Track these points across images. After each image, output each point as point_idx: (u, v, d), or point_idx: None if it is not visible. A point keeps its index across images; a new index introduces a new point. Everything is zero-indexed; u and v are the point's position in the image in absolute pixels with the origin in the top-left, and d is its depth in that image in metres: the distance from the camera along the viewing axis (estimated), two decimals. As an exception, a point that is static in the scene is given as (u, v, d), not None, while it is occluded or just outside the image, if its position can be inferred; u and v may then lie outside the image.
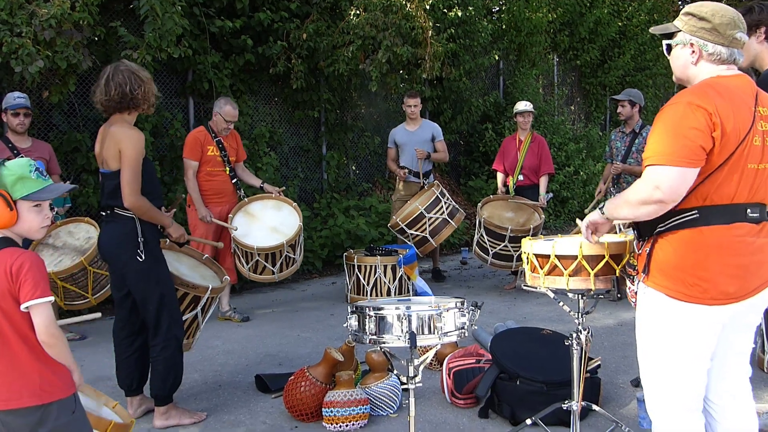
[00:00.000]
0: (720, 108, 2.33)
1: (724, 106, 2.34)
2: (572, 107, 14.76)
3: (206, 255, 4.76)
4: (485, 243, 7.13)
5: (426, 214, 6.95)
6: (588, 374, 4.03)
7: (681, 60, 2.55)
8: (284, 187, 6.52)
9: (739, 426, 2.61)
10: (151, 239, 3.84)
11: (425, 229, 7.00)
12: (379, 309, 2.54)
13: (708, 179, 2.37)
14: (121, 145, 3.68)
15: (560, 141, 12.38)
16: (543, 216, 7.17)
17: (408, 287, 6.76)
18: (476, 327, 2.70)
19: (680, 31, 2.53)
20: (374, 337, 2.54)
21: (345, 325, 2.63)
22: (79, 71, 6.17)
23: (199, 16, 7.56)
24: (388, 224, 7.39)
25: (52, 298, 2.32)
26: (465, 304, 2.64)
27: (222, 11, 7.87)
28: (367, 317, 2.54)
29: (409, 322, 2.49)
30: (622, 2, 14.78)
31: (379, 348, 2.58)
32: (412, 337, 2.44)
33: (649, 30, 2.77)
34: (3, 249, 2.33)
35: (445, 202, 7.11)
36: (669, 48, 2.59)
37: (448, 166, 11.35)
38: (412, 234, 7.03)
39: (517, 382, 3.91)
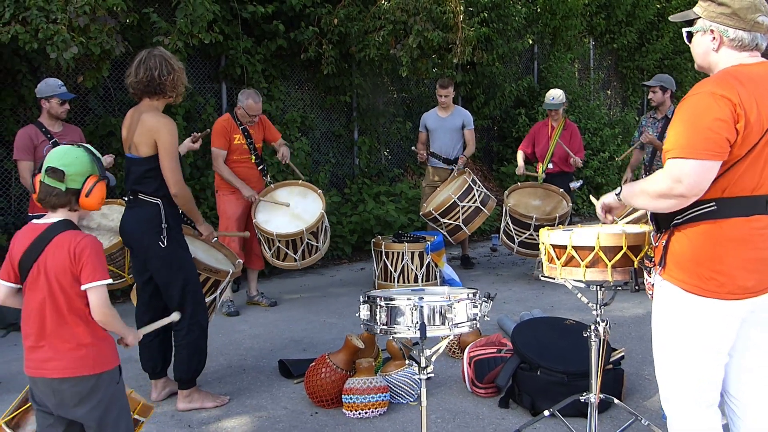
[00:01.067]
0: (743, 98, 2.26)
1: (748, 96, 2.27)
2: (608, 92, 14.49)
3: (216, 238, 4.81)
4: (511, 231, 7.09)
5: (459, 203, 6.91)
6: (611, 366, 3.99)
7: (702, 47, 2.48)
8: (288, 153, 6.34)
9: (763, 423, 2.52)
10: (174, 225, 3.90)
11: (458, 217, 6.97)
12: (390, 299, 2.55)
13: (728, 171, 2.30)
14: (156, 134, 3.72)
15: (595, 126, 12.18)
16: (571, 204, 7.07)
17: (435, 274, 6.74)
18: (489, 317, 2.68)
19: (700, 17, 2.46)
20: (385, 327, 2.54)
21: (357, 314, 2.64)
22: (112, 57, 6.26)
23: (231, 1, 7.61)
24: (421, 213, 7.38)
25: (109, 281, 2.50)
26: (477, 295, 2.63)
27: (254, -3, 7.91)
28: (379, 307, 2.55)
29: (420, 312, 2.49)
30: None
31: (391, 338, 2.58)
32: (423, 328, 2.44)
33: (669, 18, 2.70)
34: (66, 231, 2.51)
35: (477, 190, 7.07)
36: (689, 36, 2.52)
37: (481, 151, 11.26)
38: (445, 223, 7.02)
39: (538, 372, 3.89)
